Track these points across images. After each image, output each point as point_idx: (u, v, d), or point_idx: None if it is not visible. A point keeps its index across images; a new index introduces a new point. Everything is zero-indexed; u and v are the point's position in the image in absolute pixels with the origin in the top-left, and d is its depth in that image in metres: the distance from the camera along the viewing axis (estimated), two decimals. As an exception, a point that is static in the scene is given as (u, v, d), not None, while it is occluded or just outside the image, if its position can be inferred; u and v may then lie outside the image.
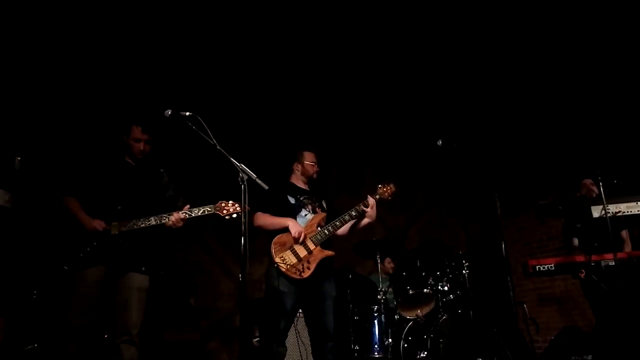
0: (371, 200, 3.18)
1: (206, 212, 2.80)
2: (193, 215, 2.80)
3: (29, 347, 3.33)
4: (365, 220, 3.24)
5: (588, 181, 4.07)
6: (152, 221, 2.77)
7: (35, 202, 3.97)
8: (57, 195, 2.89)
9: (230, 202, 2.80)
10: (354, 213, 3.19)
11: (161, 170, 3.06)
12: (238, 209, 2.79)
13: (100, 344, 3.19)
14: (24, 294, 3.62)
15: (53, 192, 2.97)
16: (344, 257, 4.41)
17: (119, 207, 2.81)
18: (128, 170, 2.94)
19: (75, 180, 2.91)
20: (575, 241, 4.12)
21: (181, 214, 2.78)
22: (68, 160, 3.79)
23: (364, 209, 3.16)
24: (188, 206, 2.83)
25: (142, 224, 2.76)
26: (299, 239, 3.04)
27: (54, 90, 4.50)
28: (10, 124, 4.19)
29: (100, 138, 4.10)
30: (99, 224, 2.73)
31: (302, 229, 3.08)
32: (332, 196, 3.55)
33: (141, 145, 2.91)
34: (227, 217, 2.79)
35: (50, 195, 3.14)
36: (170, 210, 2.82)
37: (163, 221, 2.77)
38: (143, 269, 2.83)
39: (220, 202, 2.81)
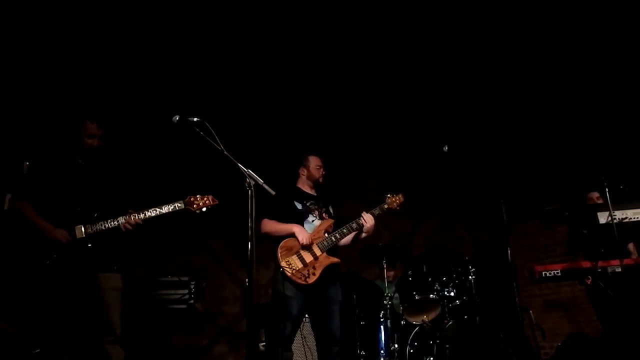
0: (367, 217, 3.21)
1: (177, 208, 2.78)
2: (164, 211, 2.76)
3: (35, 352, 3.35)
4: (363, 235, 3.27)
5: (595, 195, 4.06)
6: (122, 220, 2.72)
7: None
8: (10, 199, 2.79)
9: (199, 196, 2.79)
10: (354, 225, 3.20)
11: (114, 169, 2.98)
12: (208, 202, 2.79)
13: (92, 347, 3.17)
14: (30, 299, 3.63)
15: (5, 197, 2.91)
16: (350, 263, 4.41)
17: (79, 209, 2.73)
18: (80, 170, 2.85)
19: (26, 183, 2.81)
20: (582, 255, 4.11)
21: (138, 216, 2.72)
22: (17, 163, 3.64)
23: (362, 223, 3.19)
24: (130, 210, 2.76)
25: (110, 224, 2.71)
26: (307, 244, 3.05)
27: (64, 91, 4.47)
28: (17, 128, 4.24)
29: (48, 139, 3.97)
30: (62, 235, 2.63)
31: (309, 235, 3.09)
32: (337, 202, 3.56)
33: (95, 142, 2.81)
34: (198, 212, 2.78)
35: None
36: (129, 208, 2.77)
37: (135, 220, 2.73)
38: (115, 268, 2.79)
39: (189, 196, 2.79)
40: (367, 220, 3.19)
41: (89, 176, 2.85)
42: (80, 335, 2.73)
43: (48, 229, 2.64)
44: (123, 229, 2.73)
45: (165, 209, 2.77)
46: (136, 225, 2.74)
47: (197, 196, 2.80)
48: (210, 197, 2.83)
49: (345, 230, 3.17)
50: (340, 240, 3.17)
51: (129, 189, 2.98)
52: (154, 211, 2.76)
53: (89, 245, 2.70)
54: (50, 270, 2.63)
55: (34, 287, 2.69)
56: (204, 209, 2.79)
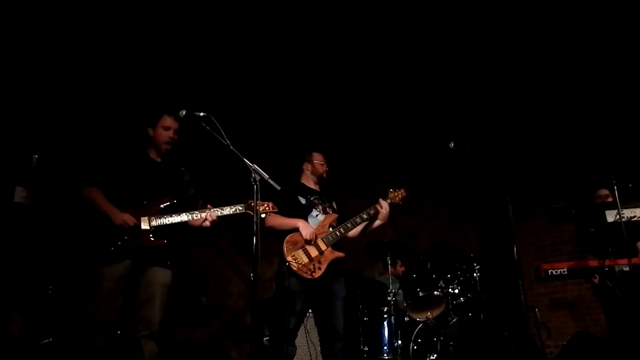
0: (384, 203, 3.21)
1: (238, 211, 2.79)
2: (225, 213, 2.78)
3: (44, 342, 3.39)
4: (377, 222, 3.27)
5: (604, 192, 4.01)
6: (185, 217, 2.73)
7: (52, 198, 4.04)
8: (77, 186, 2.82)
9: (259, 201, 2.78)
10: (365, 216, 3.21)
11: (182, 168, 3.04)
12: (267, 208, 2.81)
13: (121, 339, 3.19)
14: (39, 290, 3.68)
15: (72, 184, 2.92)
16: (354, 259, 4.41)
17: (145, 202, 2.77)
18: (152, 165, 2.92)
19: (98, 170, 2.85)
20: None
21: (216, 213, 2.76)
22: (89, 152, 3.75)
23: (378, 209, 3.20)
24: (209, 206, 2.80)
25: (174, 219, 2.72)
26: (310, 240, 3.06)
27: (72, 87, 4.55)
28: (26, 121, 4.28)
29: (122, 132, 4.09)
30: (129, 219, 2.66)
31: (313, 230, 3.09)
32: (342, 199, 3.57)
33: (171, 133, 2.88)
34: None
35: (69, 187, 3.08)
36: (191, 208, 2.79)
37: (195, 217, 2.74)
38: (168, 263, 2.80)
39: (250, 201, 2.75)
40: (384, 206, 3.20)
41: (159, 173, 2.90)
42: (117, 325, 2.75)
43: (114, 212, 2.67)
44: (206, 224, 2.74)
45: (227, 211, 2.79)
46: (214, 221, 2.76)
47: (258, 201, 2.80)
48: (270, 204, 2.83)
49: (349, 225, 3.18)
50: (345, 234, 3.18)
51: (195, 186, 3.01)
52: (216, 211, 2.77)
53: (152, 237, 2.71)
54: (111, 257, 2.65)
55: (89, 272, 2.72)
56: (263, 215, 2.80)
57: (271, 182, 2.45)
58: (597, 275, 3.59)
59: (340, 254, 3.14)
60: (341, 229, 3.16)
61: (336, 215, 3.27)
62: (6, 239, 3.59)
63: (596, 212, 3.56)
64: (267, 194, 2.64)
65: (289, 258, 3.00)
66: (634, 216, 3.35)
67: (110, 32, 4.50)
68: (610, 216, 3.41)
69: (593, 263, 3.49)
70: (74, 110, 4.59)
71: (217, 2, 4.46)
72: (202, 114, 2.46)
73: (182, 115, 2.49)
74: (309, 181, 3.42)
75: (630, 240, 3.50)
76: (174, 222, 2.73)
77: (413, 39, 5.09)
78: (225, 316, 5.09)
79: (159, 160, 2.96)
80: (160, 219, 2.73)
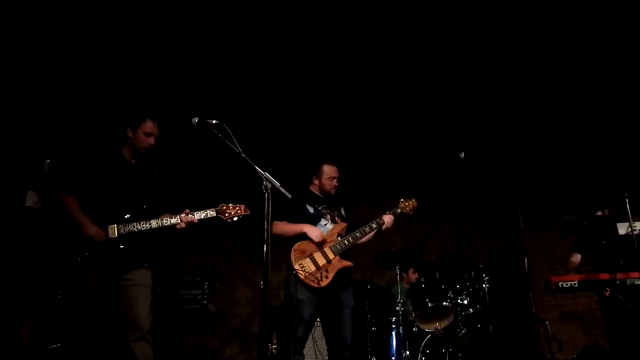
0: (387, 217, 3.28)
1: (209, 216, 2.73)
2: (196, 218, 2.73)
3: (53, 347, 3.40)
4: (384, 227, 3.30)
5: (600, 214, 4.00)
6: (153, 224, 2.69)
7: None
8: (55, 192, 2.77)
9: (231, 204, 2.76)
10: (374, 225, 3.22)
11: (155, 170, 2.97)
12: (239, 212, 2.75)
13: (115, 348, 3.17)
14: (48, 294, 3.69)
15: (51, 189, 2.89)
16: (363, 268, 4.40)
17: (116, 209, 2.71)
18: (127, 168, 2.84)
19: (74, 177, 2.78)
20: (574, 258, 4.05)
21: (190, 217, 2.70)
22: (67, 156, 3.63)
23: (381, 223, 3.24)
24: (188, 210, 2.74)
25: (142, 227, 2.68)
26: (320, 241, 3.05)
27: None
28: (39, 125, 4.32)
29: (97, 132, 4.01)
30: (98, 234, 2.62)
31: (320, 232, 3.10)
32: (352, 206, 3.56)
33: (151, 140, 2.82)
34: (229, 221, 2.73)
35: (49, 192, 3.03)
36: (165, 211, 2.75)
37: (165, 224, 2.70)
38: (146, 265, 2.76)
39: (221, 205, 2.75)
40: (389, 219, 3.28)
41: (134, 177, 2.84)
42: (104, 335, 2.71)
43: (85, 224, 2.62)
44: (181, 226, 2.71)
45: (197, 216, 2.73)
46: (190, 223, 2.72)
47: (230, 205, 2.76)
48: (242, 207, 2.78)
49: (358, 234, 3.18)
50: (354, 243, 3.18)
51: (166, 192, 2.96)
52: (190, 216, 2.73)
53: (121, 246, 2.67)
54: (80, 267, 2.61)
55: (62, 283, 2.69)
56: (235, 219, 2.74)
57: (283, 190, 2.45)
58: (608, 289, 3.54)
59: (349, 263, 3.14)
60: (350, 238, 3.15)
61: (345, 225, 3.27)
62: (17, 243, 3.61)
63: (607, 224, 3.53)
64: (274, 202, 2.62)
65: (296, 266, 3.00)
66: (646, 228, 3.31)
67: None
68: (622, 229, 3.38)
69: (604, 276, 3.44)
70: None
71: (232, 10, 4.49)
72: (214, 121, 2.46)
73: (194, 123, 2.49)
74: (316, 190, 3.42)
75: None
76: (142, 229, 2.68)
77: (425, 50, 5.10)
78: (232, 324, 5.08)
79: (133, 162, 2.87)
80: (128, 226, 2.67)
